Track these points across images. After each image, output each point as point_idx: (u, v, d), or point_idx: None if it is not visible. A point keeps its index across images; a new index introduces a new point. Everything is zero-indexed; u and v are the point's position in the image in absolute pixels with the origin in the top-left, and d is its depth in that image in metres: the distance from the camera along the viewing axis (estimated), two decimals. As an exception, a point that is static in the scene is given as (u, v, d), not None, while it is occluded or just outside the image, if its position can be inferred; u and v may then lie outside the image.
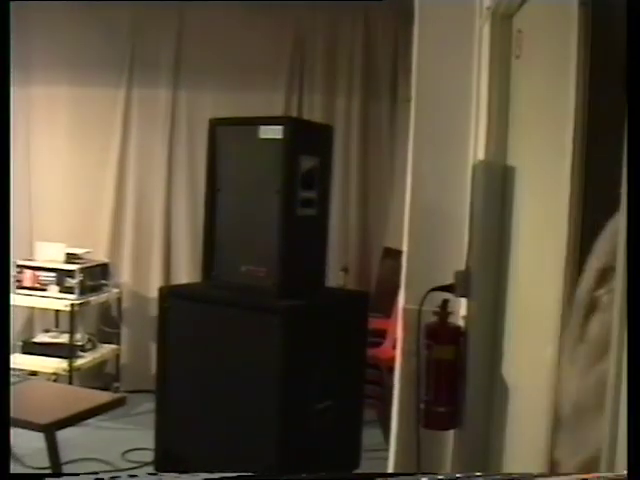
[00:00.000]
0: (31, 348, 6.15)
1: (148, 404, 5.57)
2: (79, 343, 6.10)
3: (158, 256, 6.65)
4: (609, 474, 1.48)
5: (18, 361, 6.06)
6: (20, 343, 6.23)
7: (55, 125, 6.76)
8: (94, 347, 6.31)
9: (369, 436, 4.69)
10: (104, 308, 6.64)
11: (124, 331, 6.63)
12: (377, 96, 6.60)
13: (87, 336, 6.28)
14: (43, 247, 6.25)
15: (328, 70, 6.59)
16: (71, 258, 6.14)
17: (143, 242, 6.66)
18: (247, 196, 3.98)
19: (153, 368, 5.80)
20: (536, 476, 1.74)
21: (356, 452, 4.36)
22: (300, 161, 3.91)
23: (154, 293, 6.26)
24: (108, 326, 6.65)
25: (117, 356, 6.55)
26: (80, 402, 3.98)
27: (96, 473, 1.61)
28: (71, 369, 5.81)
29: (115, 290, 6.50)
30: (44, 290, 6.08)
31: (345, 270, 6.19)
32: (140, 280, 6.65)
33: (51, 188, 6.77)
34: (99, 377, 6.43)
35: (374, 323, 4.90)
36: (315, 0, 6.28)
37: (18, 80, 6.70)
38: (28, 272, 6.11)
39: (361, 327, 4.33)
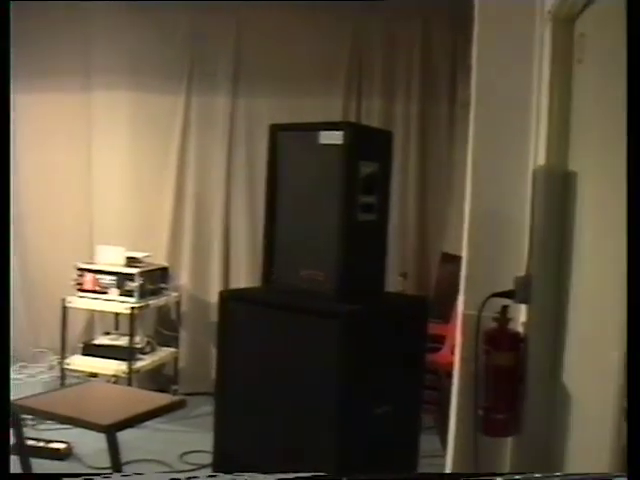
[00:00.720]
0: (91, 350, 6.24)
1: (206, 407, 5.61)
2: (138, 346, 6.17)
3: (217, 260, 6.70)
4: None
5: (78, 363, 6.16)
6: (80, 345, 6.33)
7: (116, 130, 6.85)
8: (153, 350, 6.37)
9: (426, 442, 4.66)
10: (163, 311, 6.70)
11: (182, 334, 6.68)
12: (436, 99, 6.57)
13: (146, 339, 6.36)
14: (103, 251, 6.33)
15: (386, 74, 6.58)
16: (131, 262, 6.21)
17: (202, 246, 6.72)
18: (307, 201, 4.00)
19: (211, 371, 5.84)
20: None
21: (414, 457, 4.35)
22: (360, 166, 3.91)
23: (213, 297, 6.34)
24: (166, 329, 6.71)
25: (175, 359, 6.60)
26: (140, 404, 4.02)
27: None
28: (130, 371, 5.88)
29: (174, 294, 6.56)
30: (104, 293, 6.16)
31: (404, 275, 6.17)
32: (199, 284, 6.71)
33: (112, 193, 6.87)
34: (157, 380, 6.48)
35: (432, 328, 4.88)
36: (372, 0, 6.28)
37: (79, 85, 6.82)
38: (89, 275, 6.19)
39: (420, 332, 4.31)
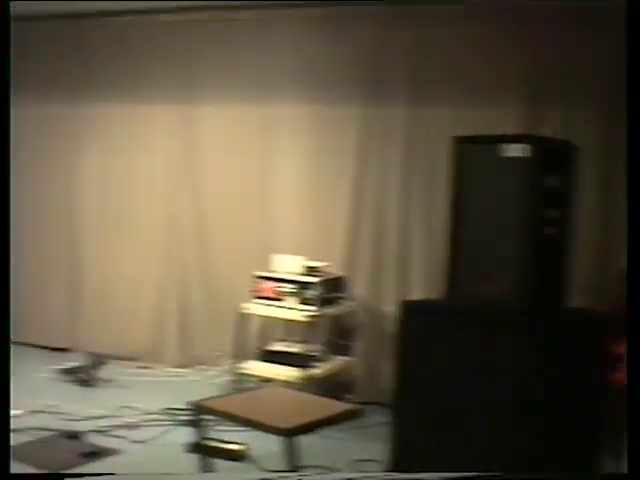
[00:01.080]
0: (267, 356, 6.40)
1: (377, 417, 5.61)
2: (314, 354, 6.28)
3: (393, 271, 6.69)
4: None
5: (255, 368, 6.32)
6: (258, 351, 6.48)
7: (292, 140, 7.04)
8: (328, 358, 6.46)
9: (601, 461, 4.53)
10: (337, 320, 6.76)
11: (356, 343, 6.74)
12: (619, 107, 6.29)
13: (322, 347, 6.45)
14: (282, 259, 6.48)
15: (567, 81, 6.34)
16: (310, 270, 6.34)
17: (378, 256, 6.73)
18: (490, 214, 3.97)
19: (384, 381, 5.87)
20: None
21: (592, 475, 4.24)
22: (544, 180, 3.86)
23: (388, 307, 6.36)
24: (339, 338, 6.77)
25: (349, 368, 6.66)
26: (319, 410, 4.08)
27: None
28: (306, 379, 5.98)
29: (350, 303, 6.63)
30: (280, 300, 6.30)
31: (584, 290, 5.99)
32: (374, 294, 6.74)
33: (289, 203, 7.04)
34: (329, 388, 6.54)
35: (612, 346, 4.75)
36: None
37: (255, 98, 7.02)
38: (267, 283, 6.34)
39: (602, 349, 4.21)
